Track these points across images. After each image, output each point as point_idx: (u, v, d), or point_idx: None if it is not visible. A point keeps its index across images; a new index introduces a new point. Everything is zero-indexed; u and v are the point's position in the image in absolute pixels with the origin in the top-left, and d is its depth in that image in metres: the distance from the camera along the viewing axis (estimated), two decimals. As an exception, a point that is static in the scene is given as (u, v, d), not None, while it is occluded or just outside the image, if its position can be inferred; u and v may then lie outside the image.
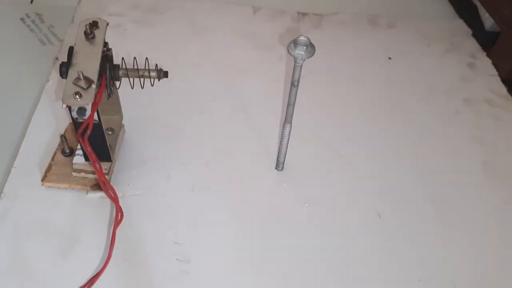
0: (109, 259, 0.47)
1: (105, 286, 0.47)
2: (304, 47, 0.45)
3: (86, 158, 0.53)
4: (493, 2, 0.82)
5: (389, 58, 0.77)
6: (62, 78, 0.47)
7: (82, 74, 0.45)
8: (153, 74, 0.52)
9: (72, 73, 0.46)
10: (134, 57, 0.52)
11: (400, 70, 0.75)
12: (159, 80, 0.52)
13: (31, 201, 0.53)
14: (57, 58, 0.69)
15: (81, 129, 0.46)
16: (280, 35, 0.78)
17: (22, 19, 0.78)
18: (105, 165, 0.53)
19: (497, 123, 0.68)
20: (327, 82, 0.72)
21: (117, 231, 0.49)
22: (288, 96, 0.50)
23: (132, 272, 0.49)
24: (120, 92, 0.56)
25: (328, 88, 0.71)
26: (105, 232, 0.51)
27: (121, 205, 0.50)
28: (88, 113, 0.46)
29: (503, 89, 0.73)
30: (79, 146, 0.54)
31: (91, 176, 0.54)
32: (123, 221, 0.50)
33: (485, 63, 0.78)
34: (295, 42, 0.45)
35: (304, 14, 0.83)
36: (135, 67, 0.52)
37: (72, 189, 0.54)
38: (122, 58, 0.52)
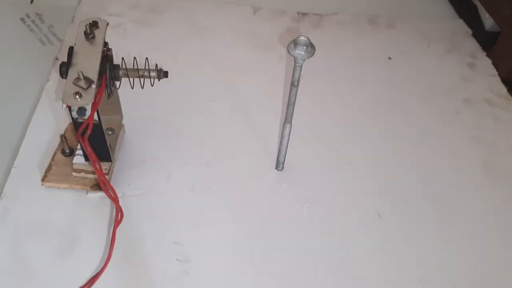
0: (109, 259, 0.47)
1: (105, 286, 0.47)
2: (304, 47, 0.45)
3: (86, 158, 0.53)
4: (493, 2, 0.82)
5: (389, 58, 0.77)
6: (62, 78, 0.47)
7: (82, 74, 0.45)
8: (153, 74, 0.52)
9: (72, 73, 0.46)
10: (134, 57, 0.52)
11: (400, 70, 0.75)
12: (159, 80, 0.52)
13: (31, 201, 0.53)
14: (57, 58, 0.69)
15: (81, 129, 0.46)
16: (280, 35, 0.78)
17: (22, 19, 0.78)
18: (105, 165, 0.53)
19: (497, 123, 0.68)
20: (327, 82, 0.72)
21: (117, 231, 0.49)
22: (288, 96, 0.50)
23: (132, 272, 0.49)
24: (120, 92, 0.56)
25: (328, 88, 0.71)
26: (105, 232, 0.51)
27: (121, 205, 0.50)
28: (88, 113, 0.46)
29: (503, 89, 0.73)
30: (79, 146, 0.54)
31: (91, 176, 0.54)
32: (123, 221, 0.50)
33: (485, 63, 0.78)
34: (295, 42, 0.45)
35: (304, 14, 0.83)
36: (135, 67, 0.52)
37: (72, 189, 0.54)
38: (122, 58, 0.52)
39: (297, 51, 0.45)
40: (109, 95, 0.53)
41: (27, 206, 0.53)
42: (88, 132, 0.47)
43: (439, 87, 0.73)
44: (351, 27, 0.82)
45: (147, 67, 0.52)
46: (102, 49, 0.49)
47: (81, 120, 0.47)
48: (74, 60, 0.47)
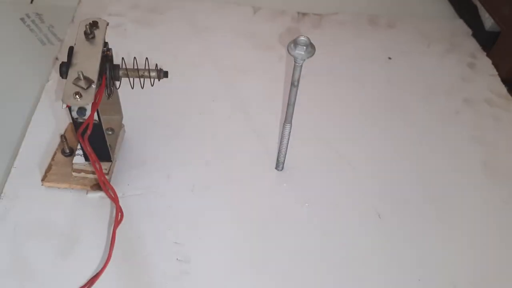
0: (109, 259, 0.47)
1: (105, 286, 0.47)
2: (304, 47, 0.45)
3: (86, 158, 0.53)
4: (493, 2, 0.82)
5: (389, 58, 0.77)
6: (62, 78, 0.47)
7: (82, 74, 0.45)
8: (153, 74, 0.52)
9: (72, 73, 0.46)
10: (134, 57, 0.52)
11: (400, 70, 0.75)
12: (159, 80, 0.52)
13: (31, 201, 0.53)
14: (57, 58, 0.69)
15: (81, 129, 0.46)
16: (280, 35, 0.78)
17: (22, 19, 0.78)
18: (105, 165, 0.53)
19: (497, 123, 0.68)
20: (327, 82, 0.72)
21: (117, 231, 0.49)
22: (288, 96, 0.50)
23: (132, 272, 0.49)
24: (120, 92, 0.56)
25: (328, 88, 0.71)
26: (105, 232, 0.51)
27: (121, 205, 0.50)
28: (88, 113, 0.46)
29: (503, 89, 0.73)
30: (79, 146, 0.54)
31: (91, 176, 0.54)
32: (123, 221, 0.50)
33: (485, 63, 0.78)
34: (295, 42, 0.45)
35: (304, 14, 0.83)
36: (135, 67, 0.52)
37: (72, 189, 0.54)
38: (122, 58, 0.52)
39: (297, 51, 0.45)
40: (109, 95, 0.53)
41: (27, 206, 0.53)
42: (88, 132, 0.47)
43: (439, 87, 0.73)
44: (351, 27, 0.82)
45: (147, 67, 0.52)
46: (102, 49, 0.49)
47: (81, 120, 0.47)
48: (74, 60, 0.47)
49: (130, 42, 0.73)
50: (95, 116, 0.47)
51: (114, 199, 0.50)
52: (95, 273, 0.47)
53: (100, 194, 0.54)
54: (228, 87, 0.69)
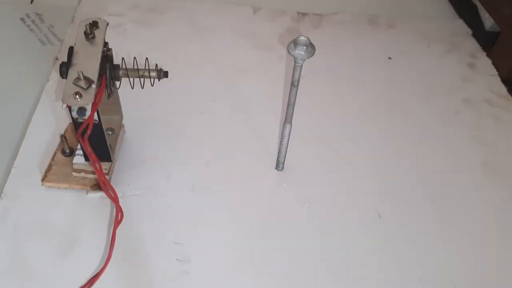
0: (109, 259, 0.47)
1: (105, 286, 0.47)
2: (304, 47, 0.45)
3: (86, 158, 0.53)
4: (493, 2, 0.82)
5: (389, 58, 0.77)
6: (62, 78, 0.47)
7: (82, 74, 0.45)
8: (153, 74, 0.52)
9: (72, 73, 0.46)
10: (134, 57, 0.52)
11: (400, 70, 0.75)
12: (159, 80, 0.52)
13: (31, 201, 0.53)
14: (57, 58, 0.69)
15: (81, 129, 0.46)
16: (280, 35, 0.78)
17: (22, 19, 0.78)
18: (105, 165, 0.53)
19: (497, 123, 0.68)
20: (327, 82, 0.72)
21: (117, 231, 0.49)
22: (288, 96, 0.50)
23: (132, 272, 0.49)
24: (120, 92, 0.56)
25: (328, 88, 0.71)
26: (105, 232, 0.51)
27: (121, 205, 0.50)
28: (88, 113, 0.46)
29: (503, 89, 0.73)
30: (79, 146, 0.54)
31: (91, 176, 0.54)
32: (123, 221, 0.50)
33: (485, 63, 0.78)
34: (295, 42, 0.45)
35: (304, 14, 0.83)
36: (135, 67, 0.52)
37: (72, 189, 0.54)
38: (122, 58, 0.52)
39: (297, 51, 0.45)
40: (109, 95, 0.53)
41: (27, 206, 0.53)
42: (88, 132, 0.47)
43: (439, 87, 0.73)
44: (351, 27, 0.82)
45: (147, 67, 0.52)
46: (102, 49, 0.49)
47: (81, 120, 0.47)
48: (74, 60, 0.47)
49: (130, 42, 0.73)
50: (95, 116, 0.47)
51: (114, 199, 0.50)
52: (95, 273, 0.47)
53: (100, 194, 0.54)
54: (228, 87, 0.69)
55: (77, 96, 0.44)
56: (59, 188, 0.54)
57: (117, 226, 0.49)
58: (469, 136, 0.66)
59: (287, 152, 0.57)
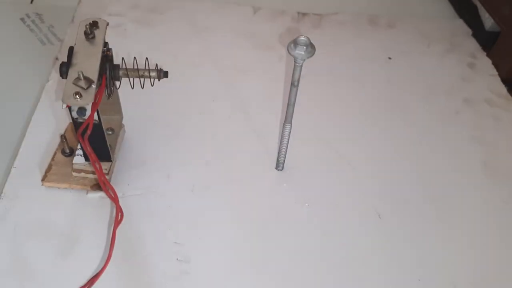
0: (109, 259, 0.47)
1: (105, 286, 0.47)
2: (304, 47, 0.45)
3: (86, 158, 0.53)
4: (493, 2, 0.82)
5: (389, 58, 0.77)
6: (62, 78, 0.47)
7: (82, 74, 0.45)
8: (153, 74, 0.52)
9: (72, 73, 0.46)
10: (134, 57, 0.52)
11: (400, 70, 0.75)
12: (159, 80, 0.52)
13: (31, 201, 0.53)
14: (57, 58, 0.69)
15: (81, 129, 0.46)
16: (280, 35, 0.78)
17: (22, 19, 0.78)
18: (105, 165, 0.53)
19: (497, 123, 0.68)
20: (327, 82, 0.72)
21: (117, 231, 0.49)
22: (288, 96, 0.50)
23: (132, 272, 0.49)
24: (120, 92, 0.56)
25: (328, 88, 0.71)
26: (105, 232, 0.51)
27: (121, 205, 0.50)
28: (88, 113, 0.46)
29: (503, 89, 0.73)
30: (79, 146, 0.54)
31: (91, 176, 0.54)
32: (123, 221, 0.50)
33: (485, 63, 0.78)
34: (295, 42, 0.45)
35: (304, 14, 0.83)
36: (135, 67, 0.52)
37: (72, 189, 0.54)
38: (122, 58, 0.52)
39: (297, 51, 0.45)
40: (109, 95, 0.53)
41: (27, 206, 0.53)
42: (88, 132, 0.47)
43: (439, 87, 0.73)
44: (351, 27, 0.82)
45: (147, 67, 0.52)
46: (102, 49, 0.49)
47: (81, 120, 0.47)
48: (74, 60, 0.47)
49: (130, 42, 0.73)
50: (95, 116, 0.47)
51: (114, 199, 0.50)
52: (95, 273, 0.47)
53: (100, 194, 0.54)
54: (228, 87, 0.69)
55: (77, 96, 0.44)
56: (59, 188, 0.54)
57: (117, 226, 0.49)
58: (469, 136, 0.66)
59: (287, 152, 0.57)
